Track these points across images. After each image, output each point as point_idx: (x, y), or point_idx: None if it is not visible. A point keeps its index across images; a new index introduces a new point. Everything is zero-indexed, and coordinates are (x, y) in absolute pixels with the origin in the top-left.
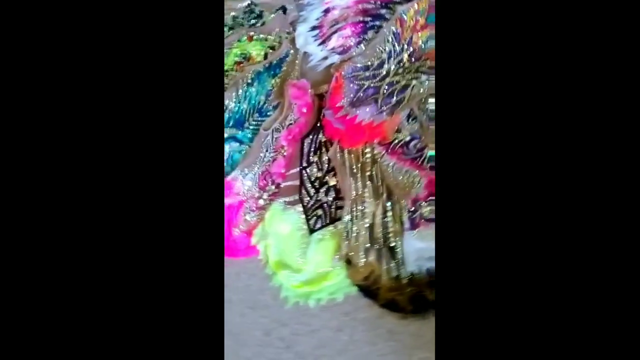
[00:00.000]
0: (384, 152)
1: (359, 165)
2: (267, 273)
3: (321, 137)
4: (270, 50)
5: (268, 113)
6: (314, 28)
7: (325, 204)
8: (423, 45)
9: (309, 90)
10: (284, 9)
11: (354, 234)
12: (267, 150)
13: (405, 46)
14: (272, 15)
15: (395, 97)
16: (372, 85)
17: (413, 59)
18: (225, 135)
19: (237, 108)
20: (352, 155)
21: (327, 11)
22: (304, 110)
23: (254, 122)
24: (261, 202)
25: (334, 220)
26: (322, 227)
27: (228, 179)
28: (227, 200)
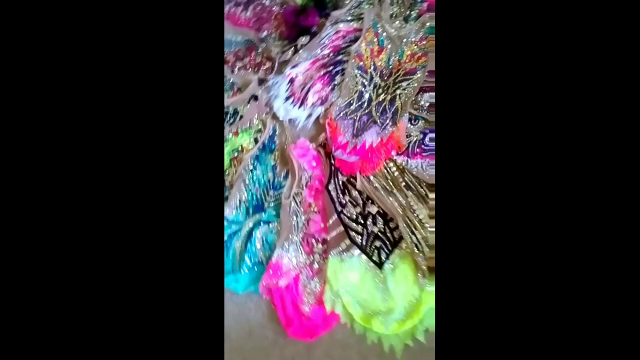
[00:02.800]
0: (406, 158)
1: (390, 181)
2: (359, 333)
3: (341, 177)
4: (258, 134)
5: (282, 185)
6: (287, 98)
7: (379, 233)
8: (386, 63)
9: (310, 145)
10: (255, 97)
11: (424, 244)
12: (297, 216)
13: (373, 72)
14: (247, 106)
15: (389, 112)
16: (363, 113)
17: (385, 77)
18: (251, 223)
19: (250, 196)
20: (379, 177)
21: (292, 81)
22: (314, 164)
23: (272, 199)
24: (316, 265)
25: (397, 243)
26: (388, 255)
27: (273, 261)
28: (282, 282)
